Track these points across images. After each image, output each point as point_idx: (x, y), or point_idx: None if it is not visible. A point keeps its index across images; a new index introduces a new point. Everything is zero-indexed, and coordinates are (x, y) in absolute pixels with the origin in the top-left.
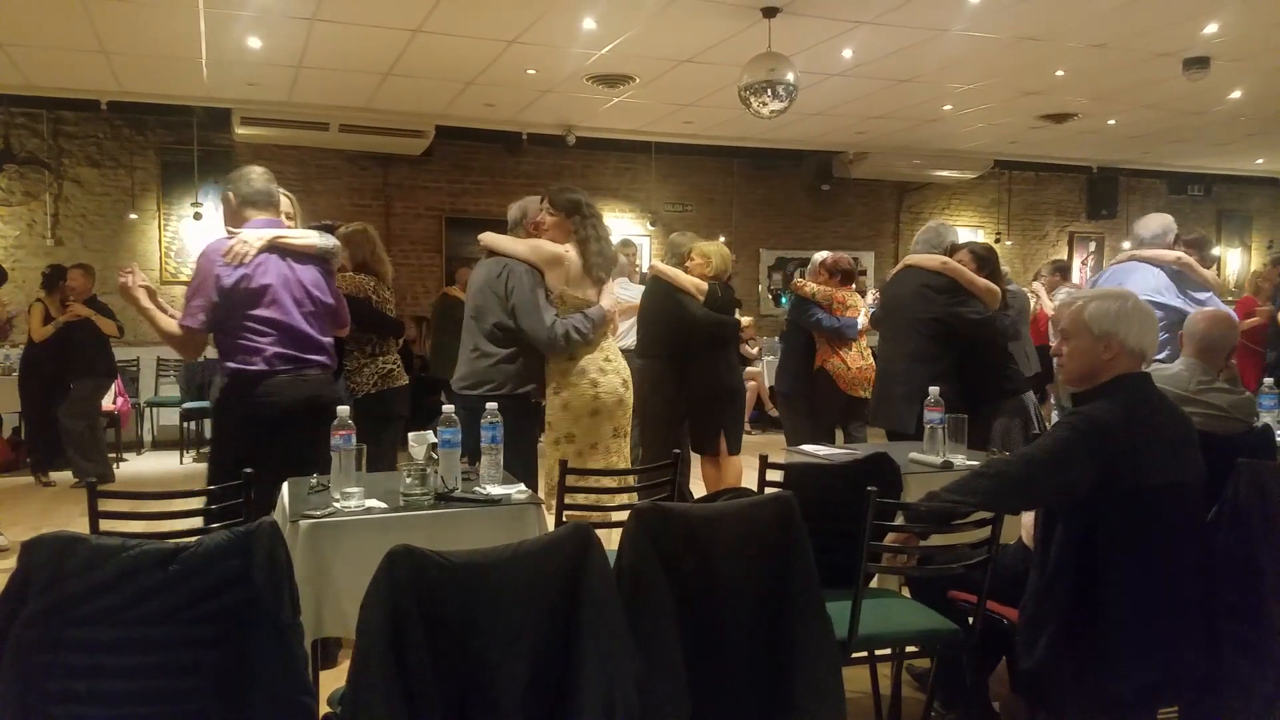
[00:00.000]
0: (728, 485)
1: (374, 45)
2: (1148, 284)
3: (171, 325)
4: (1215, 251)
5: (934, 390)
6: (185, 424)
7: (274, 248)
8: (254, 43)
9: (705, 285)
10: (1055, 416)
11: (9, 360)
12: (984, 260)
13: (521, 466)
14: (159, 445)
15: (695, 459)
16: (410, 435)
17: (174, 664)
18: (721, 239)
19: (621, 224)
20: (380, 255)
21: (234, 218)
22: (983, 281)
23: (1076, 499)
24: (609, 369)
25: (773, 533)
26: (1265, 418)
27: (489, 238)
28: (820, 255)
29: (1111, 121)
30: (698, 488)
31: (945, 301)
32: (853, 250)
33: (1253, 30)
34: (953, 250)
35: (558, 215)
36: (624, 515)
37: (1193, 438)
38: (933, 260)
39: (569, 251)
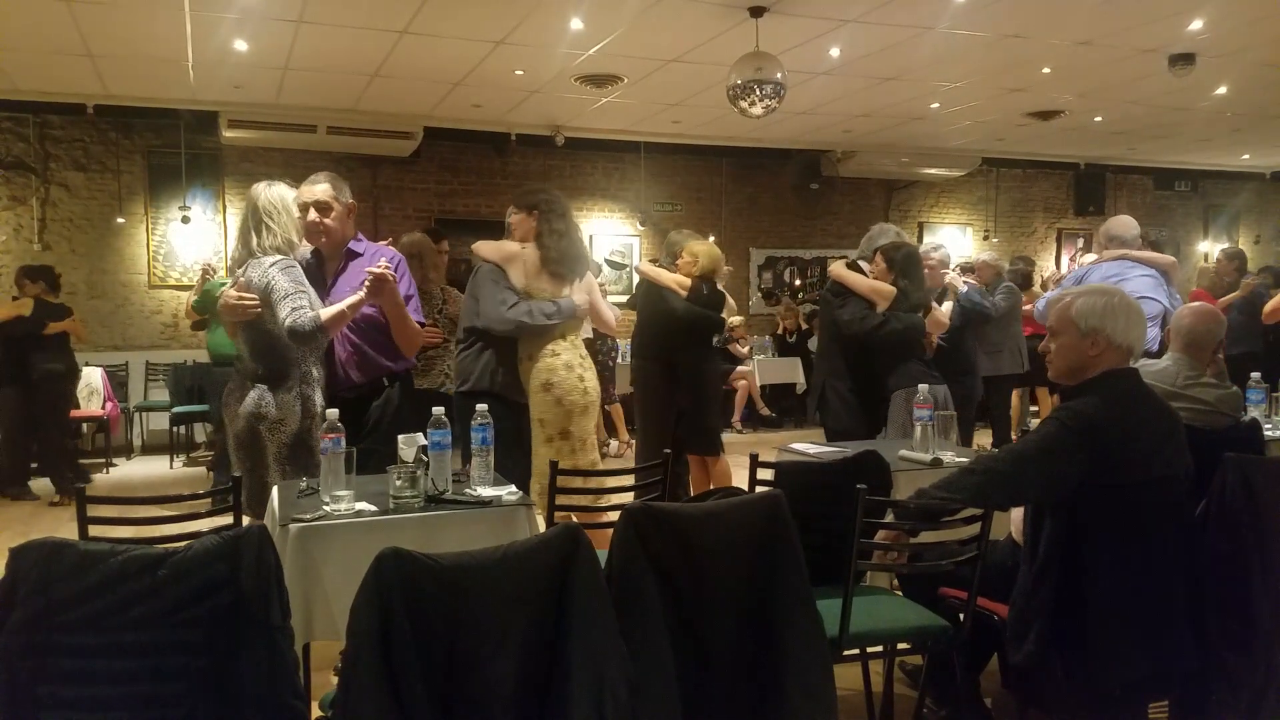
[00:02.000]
0: (718, 486)
1: (360, 47)
2: (1146, 284)
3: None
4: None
5: (923, 388)
6: (175, 428)
7: None
8: (240, 45)
9: (688, 282)
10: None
11: None
12: (893, 261)
13: (511, 467)
14: (148, 450)
15: None
16: (400, 437)
17: (163, 669)
18: (711, 238)
19: (611, 224)
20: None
21: (351, 225)
22: (866, 284)
23: (1065, 494)
24: (589, 366)
25: (762, 532)
26: (1252, 412)
27: (476, 246)
28: None
29: (1098, 118)
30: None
31: (835, 305)
32: (841, 249)
33: (1238, 26)
34: (875, 253)
35: (520, 213)
36: (614, 516)
37: (1180, 432)
38: (830, 265)
39: (525, 248)
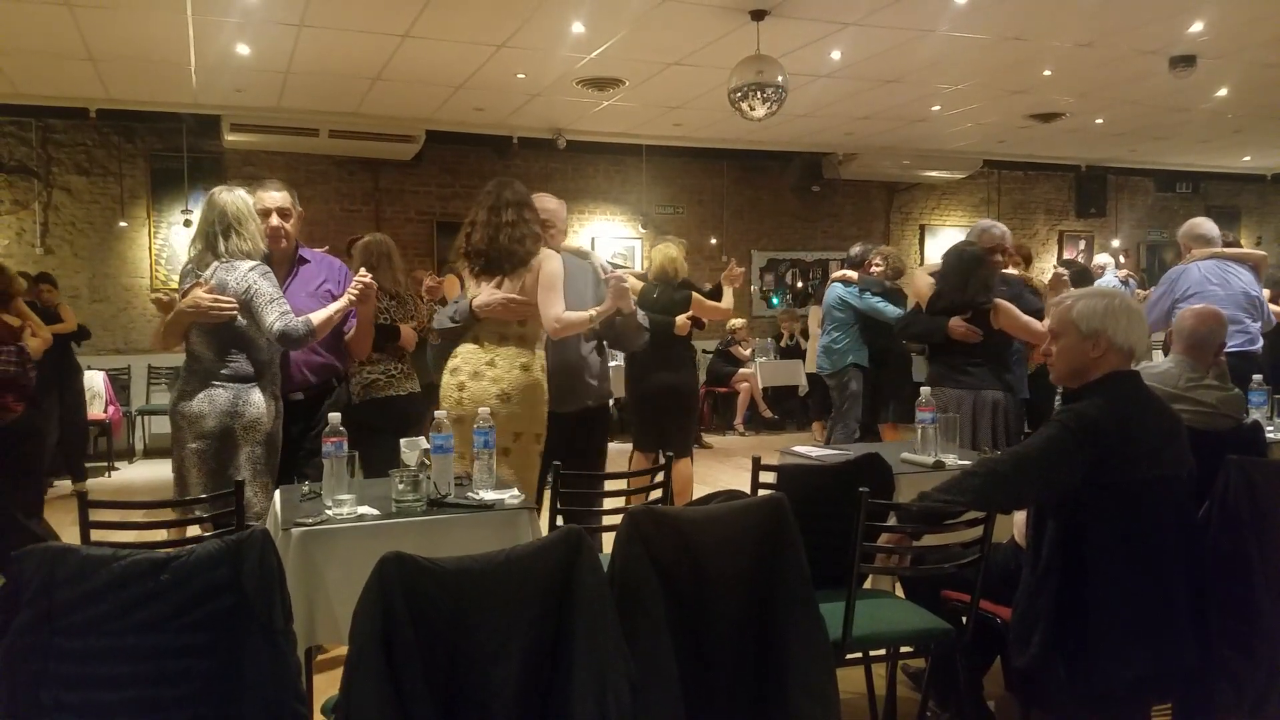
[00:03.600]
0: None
1: (362, 50)
2: (1248, 279)
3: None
4: None
5: (925, 390)
6: None
7: None
8: (242, 49)
9: (639, 285)
10: None
11: None
12: (944, 262)
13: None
14: (150, 453)
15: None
16: (402, 441)
17: (165, 672)
18: (713, 240)
19: (613, 226)
20: (373, 265)
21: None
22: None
23: (1067, 496)
24: (488, 374)
25: (765, 534)
26: (1254, 414)
27: None
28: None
29: (1099, 120)
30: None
31: None
32: (842, 251)
33: (1238, 27)
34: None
35: None
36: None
37: (1181, 434)
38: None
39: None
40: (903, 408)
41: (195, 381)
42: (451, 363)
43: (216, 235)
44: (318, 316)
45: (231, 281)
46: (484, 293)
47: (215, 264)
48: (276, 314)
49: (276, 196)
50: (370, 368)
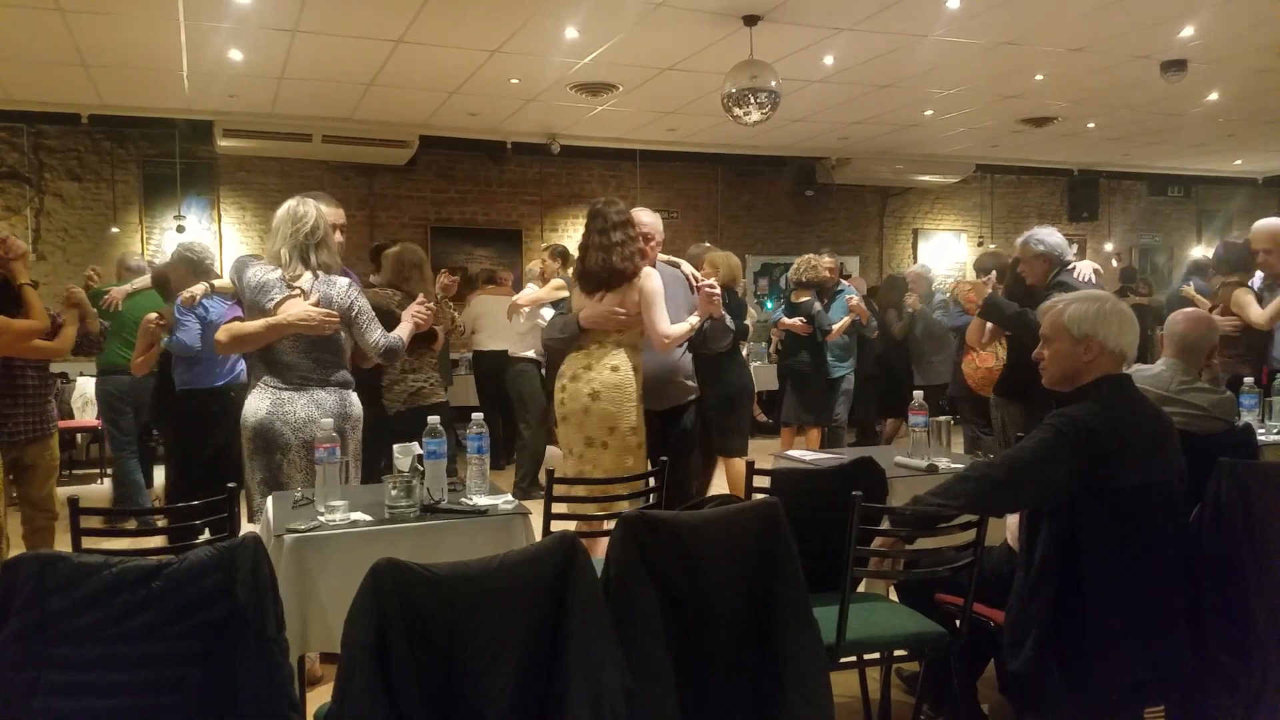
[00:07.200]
0: (731, 487)
1: (356, 56)
2: None
3: None
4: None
5: (918, 395)
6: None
7: None
8: (235, 54)
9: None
10: None
11: None
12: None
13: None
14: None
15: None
16: (395, 446)
17: (158, 680)
18: (706, 244)
19: None
20: (406, 275)
21: None
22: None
23: (1060, 500)
24: (584, 376)
25: (759, 539)
26: (1246, 417)
27: None
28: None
29: (1091, 124)
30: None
31: None
32: (837, 255)
33: (1229, 32)
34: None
35: None
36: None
37: (1173, 437)
38: None
39: None
40: (781, 409)
41: (290, 389)
42: (559, 368)
43: (310, 248)
44: (404, 334)
45: (335, 296)
46: (587, 306)
47: (310, 277)
48: (380, 331)
49: (339, 213)
50: (414, 376)
